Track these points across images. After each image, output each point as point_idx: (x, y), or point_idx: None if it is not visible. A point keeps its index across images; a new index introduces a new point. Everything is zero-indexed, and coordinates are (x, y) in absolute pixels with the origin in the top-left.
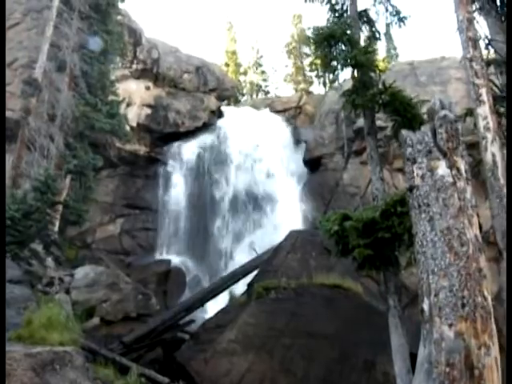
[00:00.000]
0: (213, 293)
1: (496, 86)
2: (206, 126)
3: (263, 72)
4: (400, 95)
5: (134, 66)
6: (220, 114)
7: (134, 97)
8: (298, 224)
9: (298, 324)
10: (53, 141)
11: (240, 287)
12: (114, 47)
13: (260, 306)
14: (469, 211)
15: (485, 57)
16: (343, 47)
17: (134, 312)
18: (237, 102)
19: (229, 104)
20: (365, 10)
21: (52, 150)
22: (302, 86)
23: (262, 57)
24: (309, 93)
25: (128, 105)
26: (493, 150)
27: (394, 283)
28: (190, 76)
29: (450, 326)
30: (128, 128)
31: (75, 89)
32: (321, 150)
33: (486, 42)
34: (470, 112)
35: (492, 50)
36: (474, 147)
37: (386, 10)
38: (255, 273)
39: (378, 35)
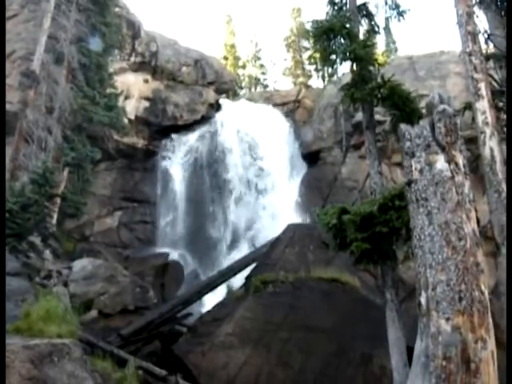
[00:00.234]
0: (210, 286)
1: (495, 80)
2: (205, 119)
3: (262, 65)
4: (399, 89)
5: (133, 59)
6: (218, 108)
7: (133, 89)
8: (295, 217)
9: (296, 318)
10: (51, 133)
11: (238, 281)
12: (113, 40)
13: (257, 300)
14: (467, 206)
15: (484, 51)
16: (342, 41)
17: (132, 305)
18: (235, 96)
19: (227, 97)
20: (364, 4)
21: (50, 143)
22: (301, 79)
23: (260, 50)
24: (307, 86)
25: (126, 98)
26: (491, 145)
27: (392, 277)
28: (188, 69)
29: (447, 319)
30: (126, 121)
31: (73, 81)
32: (319, 144)
33: (486, 36)
34: (468, 106)
35: (491, 45)
36: (472, 142)
37: (386, 4)
38: (253, 266)
39: (377, 29)
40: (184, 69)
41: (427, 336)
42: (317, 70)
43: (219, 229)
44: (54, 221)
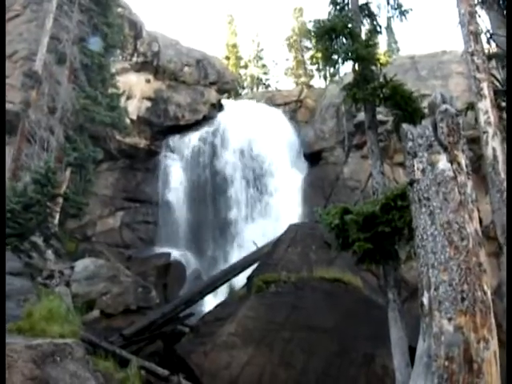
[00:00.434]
0: (212, 286)
1: (497, 80)
2: (207, 119)
3: (264, 65)
4: (401, 89)
5: (135, 59)
6: (220, 108)
7: (135, 90)
8: (298, 217)
9: (298, 318)
10: (53, 133)
11: (240, 281)
12: (115, 40)
13: (260, 300)
14: (469, 205)
15: (486, 51)
16: (344, 41)
17: (134, 305)
18: (237, 96)
19: (229, 97)
20: (366, 4)
21: (52, 143)
22: (303, 79)
23: (262, 50)
24: (309, 86)
25: (128, 98)
26: (494, 145)
27: (394, 277)
28: (190, 69)
29: (450, 319)
30: (128, 121)
31: (75, 81)
32: (321, 144)
33: (488, 36)
34: (470, 106)
35: (493, 44)
36: (474, 142)
37: (388, 4)
38: (255, 266)
39: (379, 29)
40: (186, 69)
41: (429, 336)
42: (319, 69)
43: (221, 227)
44: (56, 221)
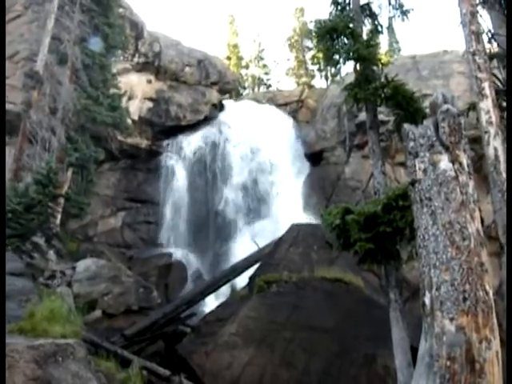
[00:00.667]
0: (214, 286)
1: (499, 80)
2: (208, 120)
3: (265, 65)
4: (402, 89)
5: (136, 59)
6: (221, 108)
7: (136, 90)
8: (299, 217)
9: (299, 318)
10: (54, 134)
11: (241, 281)
12: (116, 40)
13: (261, 300)
14: (471, 205)
15: (488, 51)
16: (345, 41)
17: (136, 305)
18: (238, 96)
19: (230, 97)
20: (367, 4)
21: (53, 143)
22: (304, 79)
23: (263, 50)
24: (311, 86)
25: (129, 98)
26: (495, 145)
27: (395, 277)
28: (191, 69)
29: (452, 319)
30: (129, 121)
31: (76, 82)
32: (322, 144)
33: (489, 35)
34: (472, 106)
35: (495, 44)
36: (476, 141)
37: (389, 4)
38: (256, 266)
39: (380, 29)
40: (187, 69)
41: (431, 336)
42: (320, 69)
43: (222, 228)
44: (58, 221)
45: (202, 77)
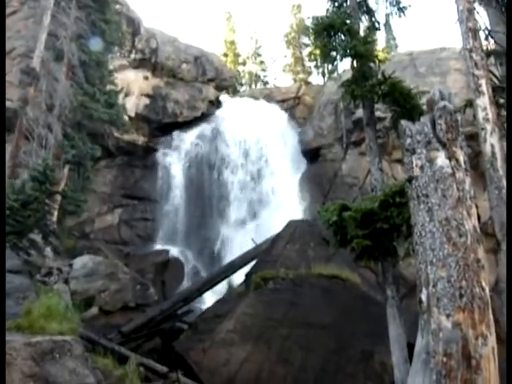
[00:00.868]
0: (211, 283)
1: (496, 76)
2: (205, 116)
3: (262, 62)
4: (399, 86)
5: (133, 56)
6: (218, 104)
7: (133, 86)
8: (296, 214)
9: (296, 314)
10: (51, 131)
11: (238, 277)
12: (112, 37)
13: (258, 297)
14: (467, 202)
15: (485, 48)
16: (343, 37)
17: (133, 302)
18: (235, 92)
19: (227, 94)
20: (364, 0)
21: (50, 140)
22: (301, 76)
23: (260, 47)
24: (308, 83)
25: (126, 95)
26: (492, 141)
27: (392, 274)
28: (188, 66)
29: (448, 316)
30: (126, 118)
31: (73, 78)
32: (319, 141)
33: (486, 32)
34: (469, 103)
35: (492, 41)
36: (473, 138)
37: (386, 0)
38: (253, 263)
39: (377, 25)
40: (184, 66)
41: (428, 332)
42: (317, 66)
43: (220, 225)
44: (55, 218)
45: (199, 73)
